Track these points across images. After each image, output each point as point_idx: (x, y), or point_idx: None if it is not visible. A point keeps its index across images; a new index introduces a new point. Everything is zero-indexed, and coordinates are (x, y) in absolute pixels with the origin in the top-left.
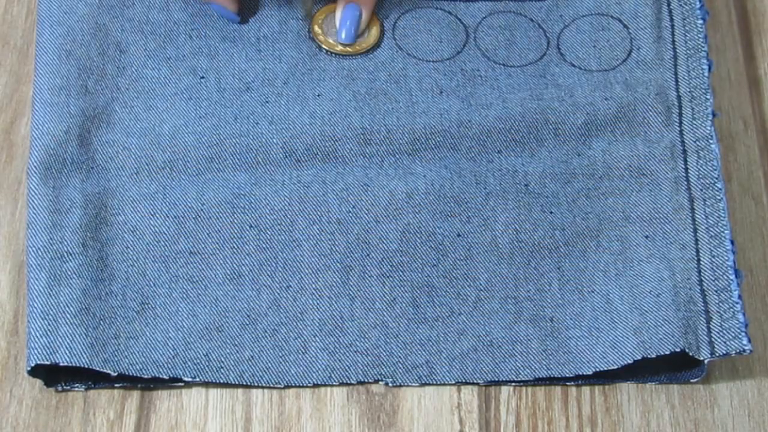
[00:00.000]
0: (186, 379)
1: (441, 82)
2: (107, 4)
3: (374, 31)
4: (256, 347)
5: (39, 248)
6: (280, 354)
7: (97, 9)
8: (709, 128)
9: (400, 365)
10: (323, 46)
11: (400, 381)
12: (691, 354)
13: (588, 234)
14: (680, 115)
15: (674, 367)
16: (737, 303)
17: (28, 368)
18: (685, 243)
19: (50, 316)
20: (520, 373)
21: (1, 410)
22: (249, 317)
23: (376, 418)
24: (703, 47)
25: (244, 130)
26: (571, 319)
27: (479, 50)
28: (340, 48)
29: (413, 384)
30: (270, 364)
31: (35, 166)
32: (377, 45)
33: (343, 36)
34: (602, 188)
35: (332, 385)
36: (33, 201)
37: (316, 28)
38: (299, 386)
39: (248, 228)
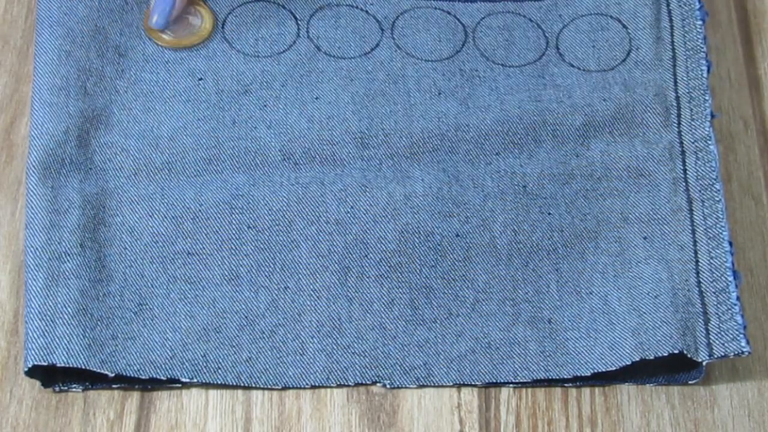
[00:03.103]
0: (183, 380)
1: (439, 83)
2: (107, 7)
3: (207, 24)
4: (253, 348)
5: (37, 248)
6: (278, 355)
7: (96, 12)
8: (707, 129)
9: (398, 367)
10: (156, 41)
11: (398, 383)
12: (689, 356)
13: (586, 235)
14: (679, 116)
15: (673, 369)
16: (735, 304)
17: (26, 369)
18: (684, 244)
19: (48, 317)
20: (518, 375)
21: (1, 410)
22: (247, 318)
23: (376, 419)
24: (702, 48)
25: (242, 133)
26: (569, 320)
27: (478, 50)
28: (172, 42)
29: (411, 386)
30: (268, 366)
31: (34, 166)
32: (210, 38)
33: (155, 21)
34: (600, 189)
35: (331, 387)
36: (31, 201)
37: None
38: (297, 388)
39: (246, 229)
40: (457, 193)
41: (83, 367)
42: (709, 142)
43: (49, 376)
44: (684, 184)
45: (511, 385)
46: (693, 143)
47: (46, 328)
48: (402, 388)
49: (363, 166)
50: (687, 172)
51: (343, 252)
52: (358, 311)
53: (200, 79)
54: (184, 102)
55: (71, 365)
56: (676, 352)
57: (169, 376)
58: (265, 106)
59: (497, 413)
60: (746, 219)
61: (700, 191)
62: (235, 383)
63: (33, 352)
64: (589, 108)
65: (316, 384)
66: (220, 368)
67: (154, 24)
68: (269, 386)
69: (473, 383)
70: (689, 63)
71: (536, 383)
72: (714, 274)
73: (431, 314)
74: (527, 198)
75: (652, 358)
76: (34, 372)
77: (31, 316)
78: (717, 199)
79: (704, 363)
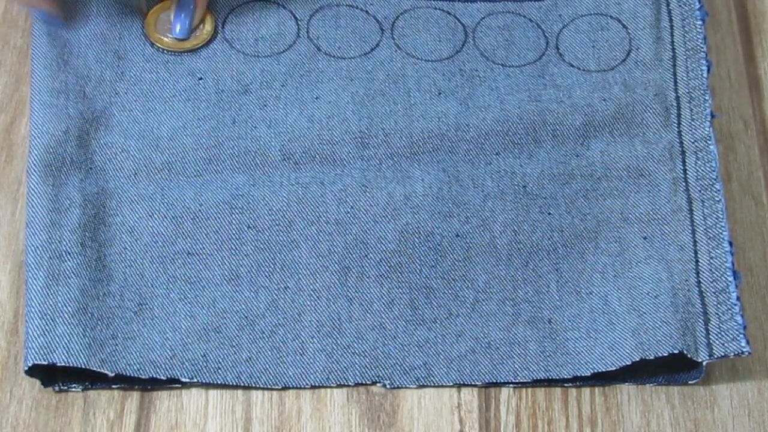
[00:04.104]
0: (183, 380)
1: (439, 83)
2: (105, 12)
3: (208, 26)
4: (253, 348)
5: (38, 246)
6: (278, 355)
7: (94, 18)
8: (707, 129)
9: (398, 367)
10: (157, 44)
11: (398, 383)
12: (689, 356)
13: (586, 235)
14: (679, 116)
15: (673, 369)
16: (735, 304)
17: (26, 368)
18: (684, 244)
19: (48, 316)
20: (518, 375)
21: (1, 410)
22: (247, 318)
23: (376, 418)
24: (702, 48)
25: (242, 133)
26: (569, 320)
27: (478, 50)
28: (174, 44)
29: (411, 386)
30: (268, 366)
31: (35, 164)
32: (211, 39)
33: (178, 30)
34: (600, 189)
35: (331, 387)
36: (32, 199)
37: (150, 28)
38: (297, 388)
39: (246, 228)
40: (457, 193)
41: (83, 367)
42: (709, 142)
43: (49, 375)
44: (684, 184)
45: (511, 385)
46: (693, 143)
47: (47, 327)
48: (402, 388)
49: (363, 166)
50: (687, 172)
51: (343, 252)
52: (358, 311)
53: (200, 78)
54: (184, 102)
55: (71, 364)
56: (676, 352)
57: (169, 376)
58: (265, 105)
59: (497, 413)
60: (746, 219)
61: (700, 191)
62: (235, 383)
63: (33, 351)
64: (589, 108)
65: (316, 384)
66: (220, 368)
67: (177, 34)
68: (269, 386)
69: (473, 383)
70: (689, 63)
71: (536, 383)
72: (714, 274)
73: (431, 314)
74: (527, 198)
75: (652, 358)
76: (34, 371)
77: (32, 315)
78: (717, 199)
79: (704, 363)
